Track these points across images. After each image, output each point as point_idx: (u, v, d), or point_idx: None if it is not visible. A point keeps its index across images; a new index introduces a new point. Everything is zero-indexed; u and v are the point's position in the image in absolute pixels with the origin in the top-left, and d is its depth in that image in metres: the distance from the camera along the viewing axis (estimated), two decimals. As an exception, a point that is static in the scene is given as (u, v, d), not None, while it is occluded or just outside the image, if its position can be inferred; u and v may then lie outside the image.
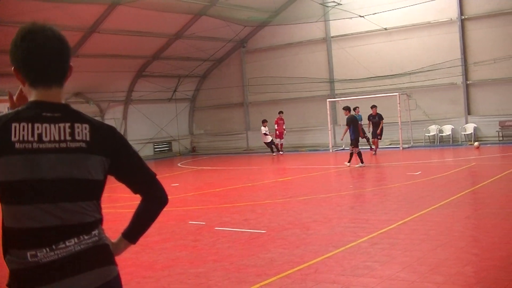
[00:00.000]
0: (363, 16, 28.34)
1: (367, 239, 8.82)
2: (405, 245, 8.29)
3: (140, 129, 33.24)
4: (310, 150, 30.15)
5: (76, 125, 2.59)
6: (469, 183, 14.89)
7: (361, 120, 25.47)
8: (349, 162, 20.38)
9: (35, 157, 2.49)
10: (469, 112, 27.58)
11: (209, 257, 8.57)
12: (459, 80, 27.60)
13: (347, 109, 21.23)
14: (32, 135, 2.50)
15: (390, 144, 28.35)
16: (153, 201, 2.82)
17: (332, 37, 31.27)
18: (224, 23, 29.45)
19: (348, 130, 20.56)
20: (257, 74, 33.89)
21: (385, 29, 28.98)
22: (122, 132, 32.49)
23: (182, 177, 22.56)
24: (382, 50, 29.50)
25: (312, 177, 19.09)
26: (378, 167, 21.01)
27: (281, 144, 30.52)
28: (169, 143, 35.34)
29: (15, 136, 2.48)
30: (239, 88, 35.00)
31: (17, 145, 2.48)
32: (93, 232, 2.62)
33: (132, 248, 3.29)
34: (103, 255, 2.65)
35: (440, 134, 28.05)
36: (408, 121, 27.63)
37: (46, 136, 2.52)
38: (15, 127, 2.49)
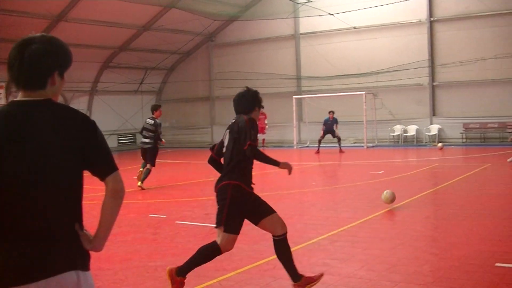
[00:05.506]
0: (332, 14, 28.44)
1: (327, 237, 8.81)
2: (365, 243, 8.31)
3: (105, 120, 32.60)
4: (274, 147, 30.13)
5: None
6: (431, 184, 15.02)
7: (337, 123, 25.26)
8: None
9: None
10: (434, 113, 27.89)
11: (169, 251, 8.46)
12: (425, 81, 27.88)
13: None
14: None
15: (354, 143, 28.51)
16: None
17: (301, 34, 31.33)
18: (193, 16, 29.24)
19: None
20: (224, 68, 33.78)
21: (354, 28, 29.11)
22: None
23: (145, 170, 22.31)
24: (350, 49, 29.63)
25: (275, 173, 19.07)
26: (342, 165, 21.10)
27: (263, 140, 29.53)
28: (134, 135, 34.95)
29: None
30: (206, 82, 34.85)
31: None
32: None
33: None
34: None
35: (405, 134, 28.30)
36: (373, 120, 27.81)
37: None
38: None
